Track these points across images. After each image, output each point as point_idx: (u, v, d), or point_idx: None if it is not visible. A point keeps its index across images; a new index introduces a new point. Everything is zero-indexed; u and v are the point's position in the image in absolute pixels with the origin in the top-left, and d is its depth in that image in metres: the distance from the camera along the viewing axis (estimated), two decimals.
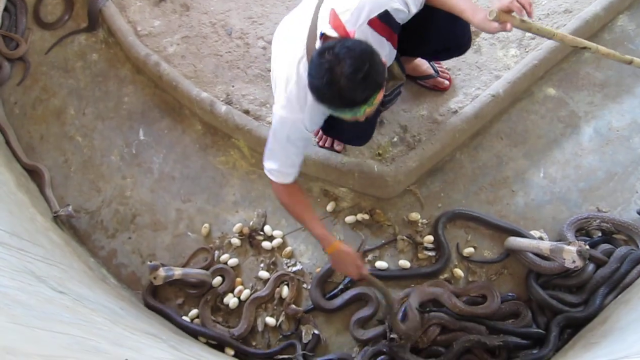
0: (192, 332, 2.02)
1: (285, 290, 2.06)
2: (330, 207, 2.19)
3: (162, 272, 1.93)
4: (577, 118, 2.27)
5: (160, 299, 2.14)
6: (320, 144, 2.20)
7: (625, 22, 2.44)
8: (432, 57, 2.15)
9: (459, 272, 2.03)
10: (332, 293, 2.05)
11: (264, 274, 2.11)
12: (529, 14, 1.52)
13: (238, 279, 2.13)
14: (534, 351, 1.85)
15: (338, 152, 2.17)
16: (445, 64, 2.27)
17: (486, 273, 2.04)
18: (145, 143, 2.45)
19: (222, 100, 2.32)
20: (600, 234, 2.02)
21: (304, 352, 1.95)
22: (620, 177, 2.15)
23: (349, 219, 2.16)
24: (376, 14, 1.62)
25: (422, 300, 1.96)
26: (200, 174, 2.35)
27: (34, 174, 2.42)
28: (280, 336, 2.03)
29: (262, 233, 2.19)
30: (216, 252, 2.18)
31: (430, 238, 2.09)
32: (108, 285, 2.02)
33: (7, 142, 2.48)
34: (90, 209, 2.36)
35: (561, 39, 1.63)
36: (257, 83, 2.35)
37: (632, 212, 2.07)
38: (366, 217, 2.15)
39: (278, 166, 1.74)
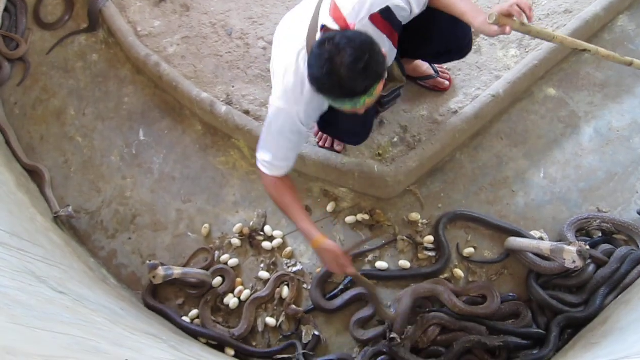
0: (191, 333, 2.02)
1: (285, 291, 2.06)
2: (330, 207, 2.19)
3: (161, 271, 1.94)
4: (578, 118, 2.27)
5: (160, 299, 2.14)
6: (321, 144, 2.20)
7: (626, 22, 2.44)
8: (432, 59, 2.15)
9: (459, 272, 2.03)
10: (332, 293, 2.04)
11: (264, 274, 2.11)
12: (529, 19, 1.52)
13: (238, 280, 2.13)
14: (535, 351, 1.85)
15: (338, 152, 2.17)
16: (446, 64, 2.27)
17: (486, 273, 2.04)
18: (146, 143, 2.45)
19: (222, 101, 2.32)
20: (600, 234, 2.02)
21: (304, 351, 1.94)
22: (620, 177, 2.15)
23: (349, 219, 2.16)
24: (378, 9, 1.63)
25: (419, 295, 1.95)
26: (201, 174, 2.35)
27: (34, 174, 2.42)
28: (281, 336, 2.03)
29: (262, 233, 2.19)
30: (216, 253, 2.18)
31: (431, 238, 2.08)
32: (108, 286, 2.01)
33: (8, 143, 2.48)
34: (91, 210, 2.36)
35: (561, 41, 1.63)
36: (258, 83, 2.35)
37: (633, 212, 2.07)
38: (366, 217, 2.15)
39: (270, 158, 1.72)
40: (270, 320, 2.03)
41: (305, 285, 2.09)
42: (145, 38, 2.56)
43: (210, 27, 2.54)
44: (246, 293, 2.09)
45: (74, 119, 2.55)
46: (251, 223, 2.20)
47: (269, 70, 2.30)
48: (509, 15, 1.51)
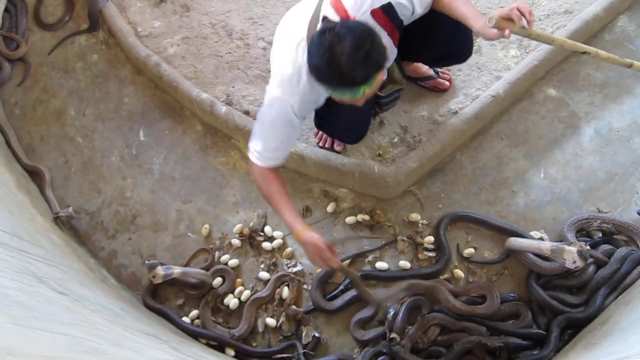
0: (191, 334, 2.02)
1: (285, 291, 2.06)
2: (330, 207, 2.19)
3: (160, 270, 1.93)
4: (578, 119, 2.27)
5: (160, 300, 2.14)
6: (320, 144, 2.20)
7: (626, 22, 2.44)
8: (433, 62, 2.15)
9: (459, 272, 2.03)
10: (332, 294, 2.04)
11: (264, 274, 2.11)
12: (529, 23, 1.52)
13: (238, 280, 2.13)
14: (535, 352, 1.85)
15: (338, 152, 2.17)
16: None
17: (487, 274, 2.04)
18: (146, 144, 2.45)
19: (222, 101, 2.32)
20: (600, 235, 2.02)
21: (304, 350, 1.94)
22: (620, 177, 2.15)
23: (350, 219, 2.16)
24: (380, 4, 1.63)
25: (415, 289, 1.93)
26: (201, 174, 2.35)
27: (34, 174, 2.42)
28: (281, 337, 2.03)
29: (262, 234, 2.19)
30: (216, 253, 2.18)
31: (431, 239, 2.08)
32: (108, 286, 2.01)
33: (8, 143, 2.48)
34: (91, 210, 2.36)
35: (561, 44, 1.63)
36: (258, 84, 2.35)
37: (633, 212, 2.07)
38: (366, 217, 2.15)
39: (261, 148, 1.71)
40: (271, 321, 2.03)
41: (305, 286, 2.09)
42: (146, 38, 2.56)
43: (210, 27, 2.54)
44: (246, 293, 2.09)
45: (74, 119, 2.56)
46: (251, 223, 2.20)
47: (269, 71, 2.29)
48: (508, 18, 1.51)
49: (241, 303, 2.08)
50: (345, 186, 2.21)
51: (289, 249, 2.14)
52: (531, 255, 1.94)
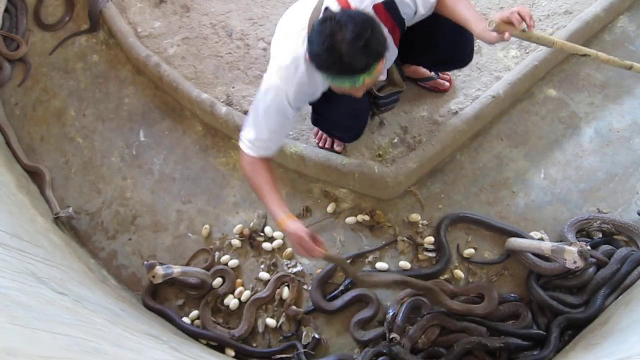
0: (191, 334, 2.01)
1: (285, 292, 2.06)
2: (330, 208, 2.19)
3: (160, 270, 1.92)
4: (578, 119, 2.27)
5: (160, 300, 2.14)
6: (320, 144, 2.21)
7: (626, 23, 2.44)
8: (433, 67, 2.16)
9: (459, 273, 2.03)
10: (332, 294, 2.04)
11: (264, 275, 2.11)
12: (529, 27, 1.52)
13: (238, 280, 2.13)
14: (535, 352, 1.84)
15: (338, 152, 2.18)
16: None
17: (487, 274, 2.04)
18: (146, 144, 2.45)
19: (222, 102, 2.33)
20: (600, 235, 2.02)
21: (305, 350, 1.94)
22: (620, 178, 2.15)
23: (350, 220, 2.16)
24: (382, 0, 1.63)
25: (411, 286, 1.92)
26: (201, 175, 2.35)
27: (34, 175, 2.42)
28: (281, 337, 2.03)
29: (262, 234, 2.19)
30: (216, 253, 2.18)
31: (431, 239, 2.08)
32: (108, 287, 2.01)
33: (8, 143, 2.48)
34: (91, 210, 2.36)
35: (561, 47, 1.63)
36: (258, 84, 2.32)
37: (633, 213, 2.07)
38: (367, 218, 2.15)
39: (253, 137, 1.70)
40: (271, 321, 2.03)
41: (305, 286, 2.09)
42: (146, 39, 2.56)
43: (210, 28, 2.54)
44: (246, 294, 2.09)
45: (74, 119, 2.56)
46: (251, 224, 2.20)
47: None
48: (509, 22, 1.51)
49: (241, 303, 2.08)
50: (346, 186, 2.21)
51: (289, 250, 2.14)
52: (531, 256, 1.94)
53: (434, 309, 1.94)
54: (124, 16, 2.64)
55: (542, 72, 2.32)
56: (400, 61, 1.98)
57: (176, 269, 1.99)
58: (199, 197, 2.31)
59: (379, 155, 2.17)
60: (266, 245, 2.15)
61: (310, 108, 1.98)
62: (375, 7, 1.63)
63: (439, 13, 1.73)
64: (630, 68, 1.76)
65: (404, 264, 2.06)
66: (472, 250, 2.06)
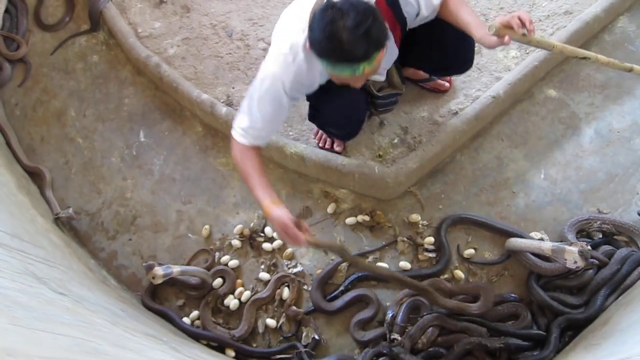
0: (191, 335, 2.01)
1: (285, 292, 2.06)
2: (330, 208, 2.19)
3: (159, 270, 1.91)
4: (578, 119, 2.27)
5: (160, 301, 2.14)
6: (320, 145, 2.21)
7: (626, 23, 2.44)
8: (433, 72, 2.17)
9: (459, 273, 2.03)
10: (332, 295, 2.04)
11: (264, 275, 2.11)
12: (529, 32, 1.53)
13: (238, 281, 2.13)
14: (535, 353, 1.84)
15: (338, 153, 2.18)
16: None
17: (487, 274, 2.04)
18: (146, 145, 2.45)
19: (222, 102, 2.33)
20: (601, 236, 2.02)
21: (306, 349, 1.94)
22: (620, 178, 2.15)
23: (350, 220, 2.16)
24: None
25: (407, 284, 1.91)
26: (201, 175, 2.35)
27: (34, 175, 2.43)
28: (281, 338, 2.02)
29: (262, 234, 2.19)
30: (217, 254, 2.18)
31: (431, 239, 2.08)
32: (108, 287, 2.01)
33: (8, 144, 2.48)
34: (91, 211, 2.36)
35: (561, 50, 1.64)
36: None
37: (633, 213, 2.07)
38: (367, 218, 2.15)
39: (247, 125, 1.69)
40: (271, 322, 2.03)
41: (305, 287, 2.09)
42: (146, 39, 2.56)
43: (210, 28, 2.55)
44: (246, 294, 2.09)
45: (75, 120, 2.56)
46: (251, 224, 2.20)
47: None
48: (509, 26, 1.52)
49: (241, 304, 2.08)
50: (346, 187, 2.21)
51: (289, 250, 2.14)
52: (531, 256, 1.94)
53: (433, 310, 1.94)
54: (124, 17, 2.64)
55: (542, 73, 2.32)
56: (400, 64, 1.99)
57: (175, 269, 1.98)
58: (199, 198, 2.31)
59: (379, 156, 2.17)
60: (266, 246, 2.15)
61: (308, 108, 1.98)
62: (377, 2, 1.63)
63: (442, 17, 1.74)
64: (630, 70, 1.77)
65: (404, 264, 2.06)
66: (472, 251, 2.06)
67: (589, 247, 1.77)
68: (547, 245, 1.83)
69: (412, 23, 1.76)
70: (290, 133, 2.26)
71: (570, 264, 1.75)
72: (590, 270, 1.92)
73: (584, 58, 1.67)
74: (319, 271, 2.07)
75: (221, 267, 2.14)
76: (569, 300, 1.91)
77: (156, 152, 2.43)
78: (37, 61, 2.71)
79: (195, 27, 2.56)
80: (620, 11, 2.44)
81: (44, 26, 2.78)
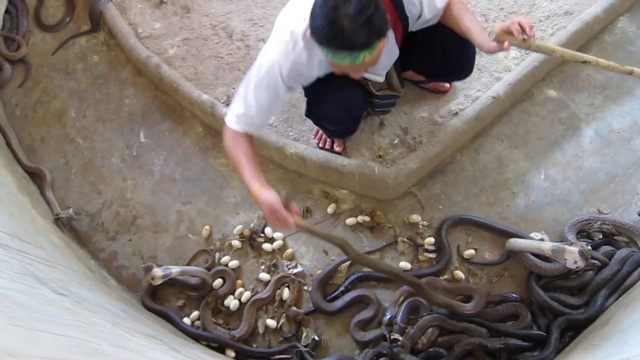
0: (192, 336, 2.01)
1: (286, 292, 2.06)
2: (330, 209, 2.19)
3: (158, 271, 1.91)
4: (578, 120, 2.27)
5: (160, 301, 2.14)
6: (320, 145, 2.21)
7: (626, 23, 2.44)
8: (433, 77, 2.17)
9: (459, 273, 2.03)
10: (332, 295, 2.04)
11: (264, 276, 2.11)
12: (529, 38, 1.53)
13: (239, 281, 2.13)
14: (535, 353, 1.84)
15: (338, 153, 2.18)
16: None
17: (487, 275, 2.04)
18: (146, 145, 2.45)
19: (222, 102, 2.33)
20: (601, 236, 2.02)
21: (307, 349, 1.94)
22: (621, 178, 2.15)
23: (350, 220, 2.16)
24: None
25: (402, 278, 1.91)
26: (201, 176, 2.35)
27: (35, 176, 2.43)
28: (281, 338, 2.02)
29: (262, 235, 2.19)
30: (217, 254, 2.18)
31: (431, 240, 2.08)
32: (109, 287, 2.01)
33: (8, 144, 2.48)
34: (91, 211, 2.36)
35: (561, 54, 1.64)
36: None
37: (633, 213, 2.07)
38: (367, 219, 2.15)
39: (241, 111, 1.69)
40: (271, 322, 2.03)
41: (305, 287, 2.09)
42: (146, 40, 2.56)
43: (210, 28, 2.55)
44: (247, 295, 2.08)
45: (75, 120, 2.56)
46: (252, 225, 2.20)
47: None
48: (509, 32, 1.52)
49: (241, 304, 2.08)
50: (346, 187, 2.21)
51: (289, 250, 2.14)
52: (531, 257, 1.94)
53: (432, 310, 1.94)
54: (125, 17, 2.64)
55: (542, 73, 2.32)
56: (401, 68, 1.99)
57: (175, 269, 1.98)
58: (199, 198, 2.31)
59: (380, 156, 2.17)
60: (266, 246, 2.15)
61: (306, 104, 1.97)
62: None
63: (444, 22, 1.75)
64: (630, 73, 1.77)
65: (405, 264, 2.06)
66: (472, 251, 2.06)
67: (589, 248, 1.77)
68: (547, 246, 1.83)
69: (413, 24, 1.76)
70: (290, 133, 2.26)
71: (570, 265, 1.75)
72: (591, 271, 1.92)
73: (584, 62, 1.68)
74: (319, 272, 2.07)
75: (221, 267, 2.14)
76: (569, 301, 1.90)
77: (156, 153, 2.43)
78: (38, 62, 2.71)
79: (195, 28, 2.56)
80: (620, 12, 2.44)
81: (45, 27, 2.78)
